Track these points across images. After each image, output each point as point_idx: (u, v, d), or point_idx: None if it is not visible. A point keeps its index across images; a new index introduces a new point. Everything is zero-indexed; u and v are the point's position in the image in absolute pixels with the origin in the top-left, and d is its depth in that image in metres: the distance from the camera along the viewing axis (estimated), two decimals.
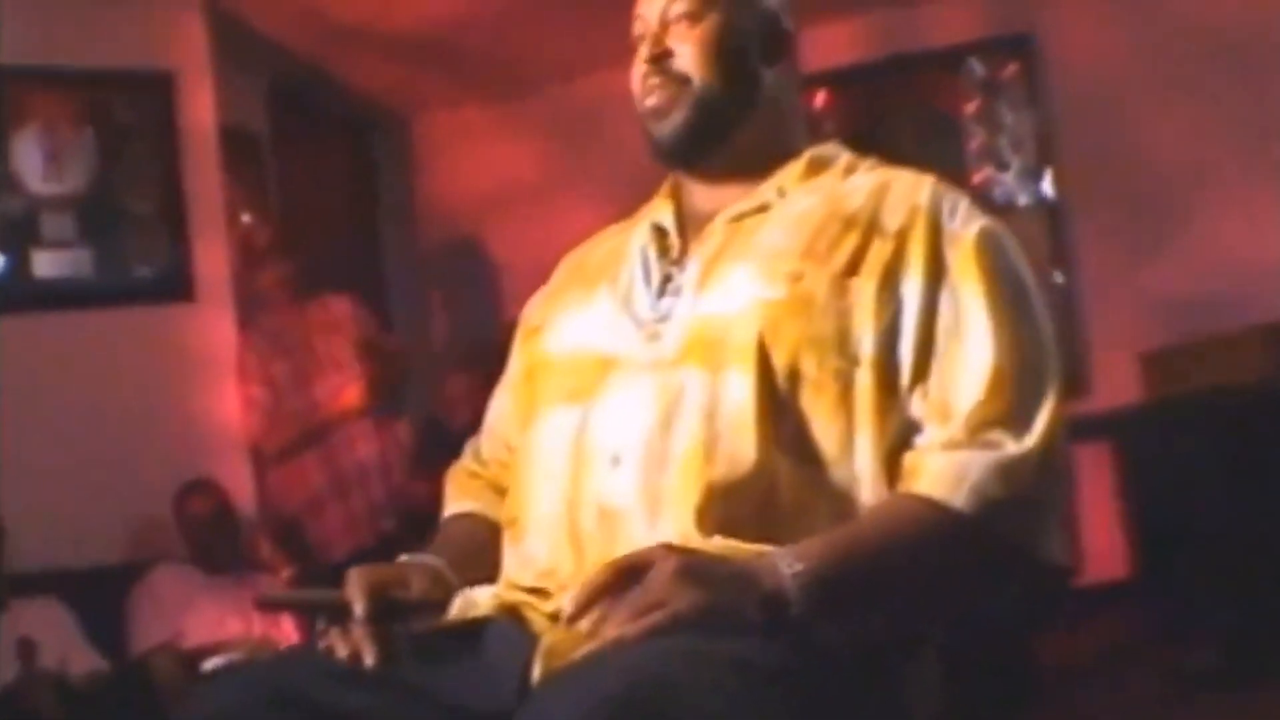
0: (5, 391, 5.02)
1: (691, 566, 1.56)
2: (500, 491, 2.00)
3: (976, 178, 6.36)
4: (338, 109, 6.94)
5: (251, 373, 5.44)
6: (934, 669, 1.80)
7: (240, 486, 5.27)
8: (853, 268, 1.76)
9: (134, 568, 5.03)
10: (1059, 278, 6.36)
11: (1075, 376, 6.00)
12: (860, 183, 1.88)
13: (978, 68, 6.51)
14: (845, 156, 1.95)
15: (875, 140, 4.69)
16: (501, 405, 2.07)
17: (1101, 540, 5.46)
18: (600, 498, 1.74)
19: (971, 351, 1.74)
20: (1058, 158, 6.46)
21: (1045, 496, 1.74)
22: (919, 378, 1.74)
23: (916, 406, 1.74)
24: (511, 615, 1.76)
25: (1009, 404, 1.72)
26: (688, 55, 1.89)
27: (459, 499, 2.08)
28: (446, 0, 5.84)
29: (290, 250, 5.65)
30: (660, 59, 1.90)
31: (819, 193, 1.87)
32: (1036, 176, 6.48)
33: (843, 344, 1.73)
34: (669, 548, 1.58)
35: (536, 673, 1.57)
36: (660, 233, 1.93)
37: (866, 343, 1.73)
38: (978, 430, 1.71)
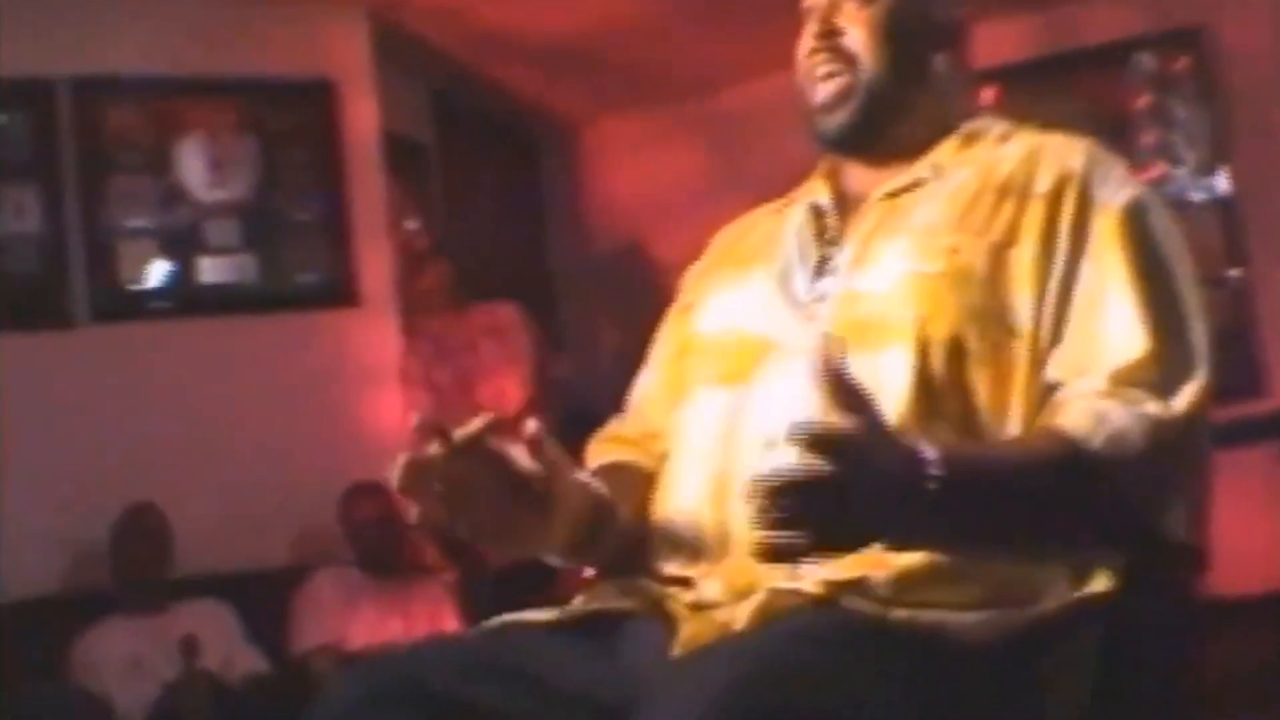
0: (172, 395, 5.08)
1: (870, 471, 1.46)
2: (648, 457, 1.93)
3: (1149, 174, 6.15)
4: (502, 117, 6.95)
5: (415, 377, 5.44)
6: (1077, 676, 1.70)
7: None
8: (1010, 238, 1.74)
9: (298, 571, 5.04)
10: (1234, 275, 6.11)
11: (1250, 376, 5.80)
12: (1013, 149, 1.84)
13: (1147, 62, 6.35)
14: (1000, 126, 1.91)
15: None
16: (648, 383, 2.02)
17: (1272, 548, 5.16)
18: (757, 472, 1.66)
19: (1115, 320, 1.70)
20: (1232, 154, 6.23)
21: (1178, 468, 1.70)
22: (1056, 342, 1.70)
23: (1054, 369, 1.69)
24: (653, 610, 1.71)
25: (1154, 372, 1.68)
26: (857, 36, 1.86)
27: (603, 459, 1.97)
28: (606, 6, 5.80)
29: (450, 253, 5.63)
30: (829, 35, 1.87)
31: (973, 164, 1.83)
32: (1210, 173, 6.26)
33: (1002, 315, 1.70)
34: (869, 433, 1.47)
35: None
36: (817, 213, 1.89)
37: (1023, 313, 1.70)
38: (1122, 386, 1.66)
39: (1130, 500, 1.66)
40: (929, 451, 1.52)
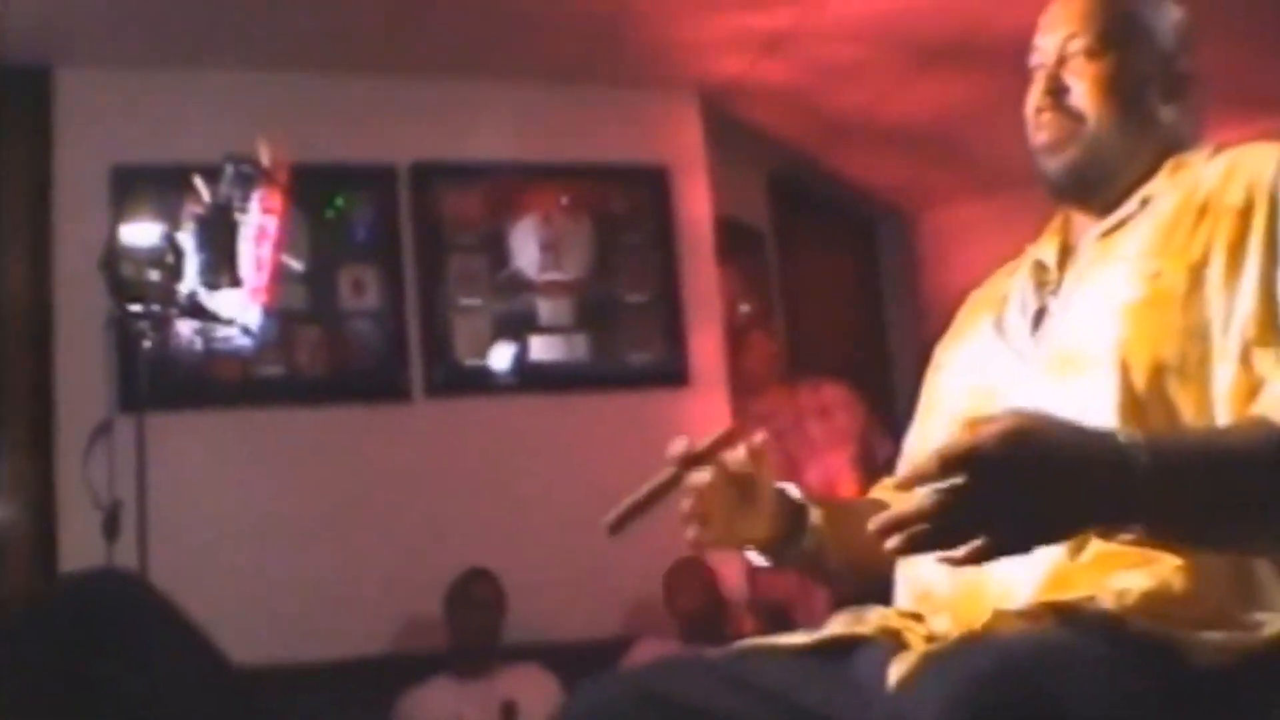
0: (505, 468, 5.24)
1: (1021, 469, 1.46)
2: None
3: None
4: (839, 201, 6.97)
5: None
6: None
7: (730, 565, 5.20)
8: (1206, 255, 1.71)
9: (624, 641, 5.05)
10: None
11: None
12: (1214, 167, 1.82)
13: None
14: (1210, 148, 1.89)
15: None
16: (912, 440, 2.10)
17: None
18: None
19: None
20: None
21: None
22: (1261, 344, 1.66)
23: (1259, 369, 1.65)
24: (892, 638, 1.73)
25: None
26: (1083, 93, 1.88)
27: (874, 494, 2.11)
28: (945, 93, 5.76)
29: (784, 335, 5.64)
30: (1056, 94, 1.89)
31: (1179, 188, 1.82)
32: None
33: (1204, 333, 1.68)
34: (1001, 436, 1.46)
35: (895, 672, 1.55)
36: (1040, 267, 1.92)
37: (1220, 326, 1.68)
38: None
39: None
40: (1129, 435, 1.51)
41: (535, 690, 4.74)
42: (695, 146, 5.79)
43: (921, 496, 1.46)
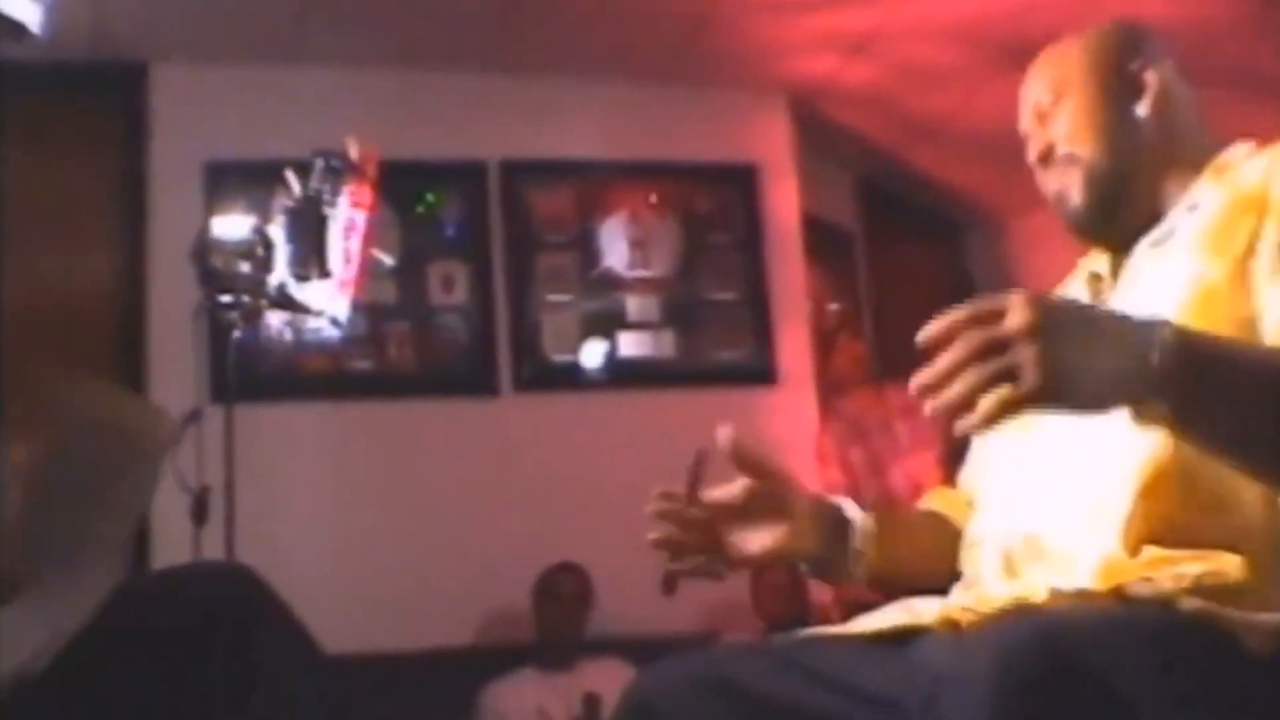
0: (592, 463, 5.27)
1: (1050, 327, 1.46)
2: (955, 507, 2.08)
3: None
4: (929, 204, 6.95)
5: (830, 457, 5.44)
6: None
7: None
8: (1249, 250, 1.72)
9: (706, 637, 5.07)
10: None
11: None
12: (1257, 164, 1.82)
13: None
14: (1249, 149, 1.90)
15: None
16: (970, 462, 2.13)
17: None
18: (1029, 524, 1.77)
19: None
20: None
21: None
22: None
23: None
24: (951, 628, 1.73)
25: None
26: (1065, 138, 1.95)
27: (938, 504, 2.14)
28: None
29: (871, 336, 5.63)
30: (1045, 157, 1.97)
31: (1224, 188, 1.83)
32: None
33: (1250, 328, 1.68)
34: (1026, 300, 1.48)
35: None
36: (1095, 278, 1.96)
37: (1269, 318, 1.68)
38: None
39: None
40: (1161, 323, 1.50)
41: (618, 684, 4.72)
42: (783, 146, 5.81)
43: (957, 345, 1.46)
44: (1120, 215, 1.91)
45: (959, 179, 6.72)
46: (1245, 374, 1.55)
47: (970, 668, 1.40)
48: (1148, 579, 1.60)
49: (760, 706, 1.68)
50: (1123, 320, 1.52)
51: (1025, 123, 2.02)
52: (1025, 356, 1.42)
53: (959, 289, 7.12)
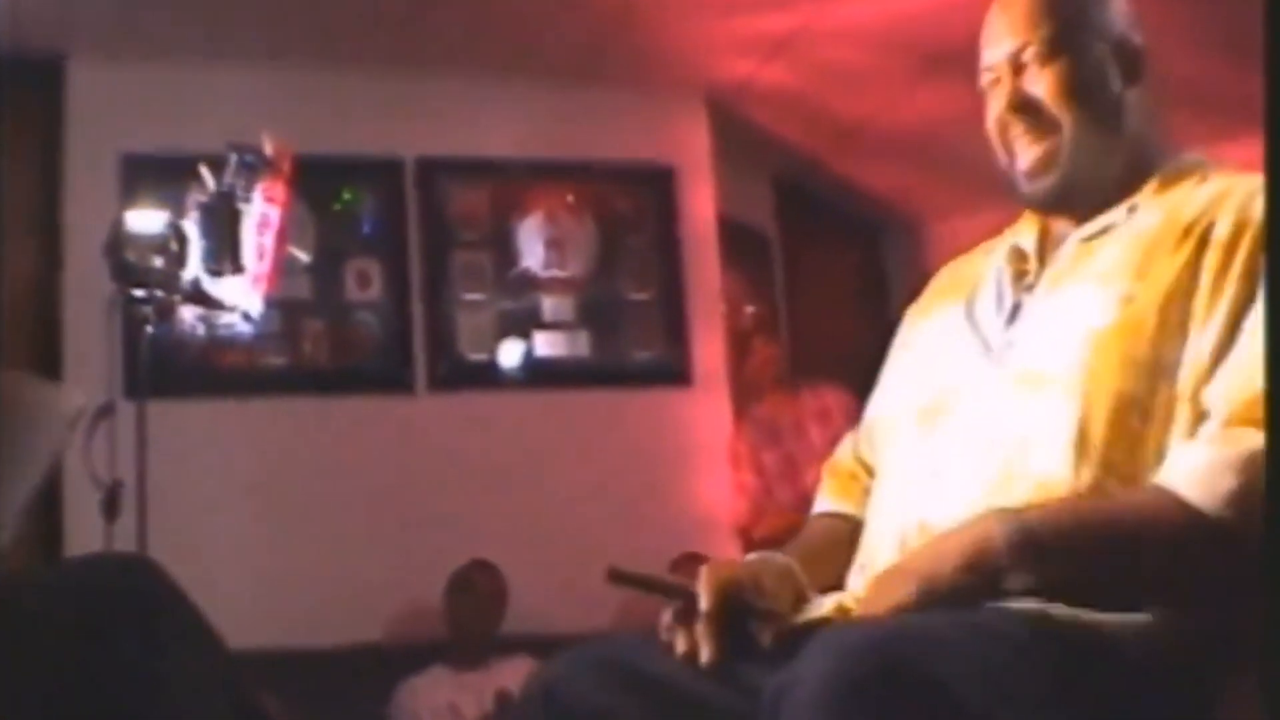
0: (506, 462, 5.29)
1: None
2: (854, 498, 2.05)
3: None
4: (847, 210, 7.01)
5: (743, 460, 5.47)
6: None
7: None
8: (1184, 285, 1.69)
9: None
10: None
11: None
12: (1205, 191, 1.79)
13: None
14: (1203, 168, 1.86)
15: None
16: (871, 408, 2.10)
17: None
18: (923, 514, 1.76)
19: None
20: None
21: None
22: (1208, 380, 1.66)
23: (1205, 401, 1.66)
24: (847, 619, 1.76)
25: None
26: (1050, 98, 1.84)
27: (834, 496, 2.10)
28: (948, 101, 5.74)
29: (786, 339, 5.66)
30: (1022, 108, 1.85)
31: (1165, 205, 1.80)
32: None
33: (1171, 366, 1.67)
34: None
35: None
36: (1019, 255, 1.90)
37: (1188, 361, 1.67)
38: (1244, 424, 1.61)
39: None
40: (1001, 517, 1.58)
41: None
42: (701, 148, 5.84)
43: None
44: (1081, 195, 1.85)
45: (877, 182, 6.77)
46: (1098, 552, 1.60)
47: (807, 669, 1.43)
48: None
49: (659, 693, 1.68)
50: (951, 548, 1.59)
51: (997, 56, 1.88)
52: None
53: (874, 292, 7.21)
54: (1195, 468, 1.59)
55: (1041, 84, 1.84)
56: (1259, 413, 1.57)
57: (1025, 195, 1.88)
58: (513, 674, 4.75)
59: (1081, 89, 1.83)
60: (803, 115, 6.02)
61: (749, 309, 5.89)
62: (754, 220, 6.31)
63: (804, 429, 5.45)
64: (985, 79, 1.90)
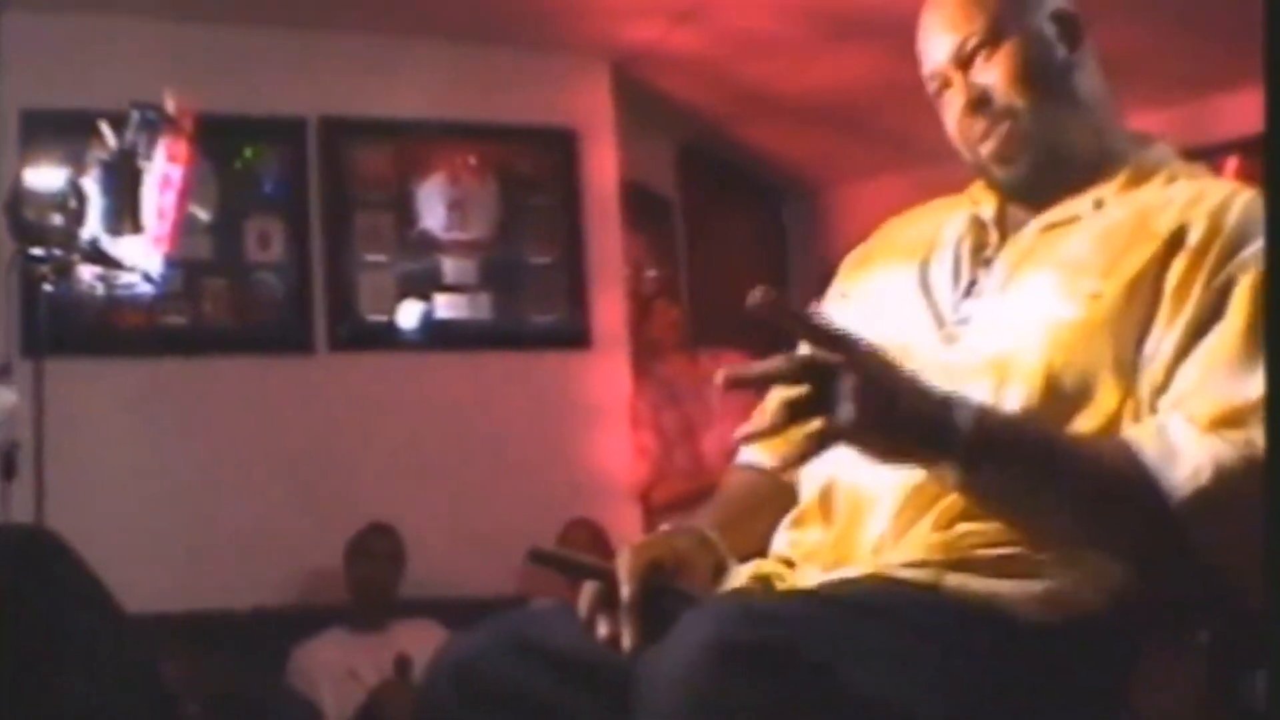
0: (406, 424, 5.27)
1: (875, 405, 1.52)
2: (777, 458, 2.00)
3: None
4: (751, 175, 7.03)
5: (643, 421, 5.50)
6: (1179, 678, 1.73)
7: (624, 523, 5.28)
8: (1150, 285, 1.69)
9: (517, 601, 5.08)
10: None
11: None
12: (1176, 193, 1.79)
13: None
14: (1171, 165, 1.86)
15: None
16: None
17: None
18: (855, 483, 1.75)
19: (1224, 374, 1.64)
20: None
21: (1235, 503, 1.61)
22: (1166, 388, 1.67)
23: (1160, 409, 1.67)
24: (764, 587, 1.78)
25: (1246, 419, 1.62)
26: (1002, 87, 1.82)
27: (757, 446, 2.03)
28: (857, 69, 5.79)
29: (687, 302, 5.69)
30: (979, 103, 1.83)
31: (1134, 204, 1.79)
32: None
33: (1132, 365, 1.68)
34: (856, 366, 1.52)
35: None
36: (979, 226, 1.88)
37: (1154, 365, 1.67)
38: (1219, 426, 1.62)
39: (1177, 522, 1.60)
40: (968, 406, 1.57)
41: (429, 645, 4.72)
42: (604, 112, 5.82)
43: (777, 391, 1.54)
44: (1051, 178, 1.83)
45: (781, 148, 6.80)
46: (1037, 466, 1.61)
47: (685, 634, 1.45)
48: (915, 562, 1.64)
49: (569, 667, 1.69)
50: (929, 396, 1.57)
51: (940, 55, 1.86)
52: (846, 389, 1.48)
53: (775, 258, 7.26)
54: (1165, 438, 1.61)
55: (993, 72, 1.82)
56: (1229, 417, 1.60)
57: (996, 182, 1.87)
58: (411, 636, 4.76)
59: (1034, 67, 1.82)
60: (707, 80, 6.02)
61: (650, 273, 5.91)
62: (657, 184, 6.33)
63: (703, 392, 5.48)
64: (932, 87, 1.88)
